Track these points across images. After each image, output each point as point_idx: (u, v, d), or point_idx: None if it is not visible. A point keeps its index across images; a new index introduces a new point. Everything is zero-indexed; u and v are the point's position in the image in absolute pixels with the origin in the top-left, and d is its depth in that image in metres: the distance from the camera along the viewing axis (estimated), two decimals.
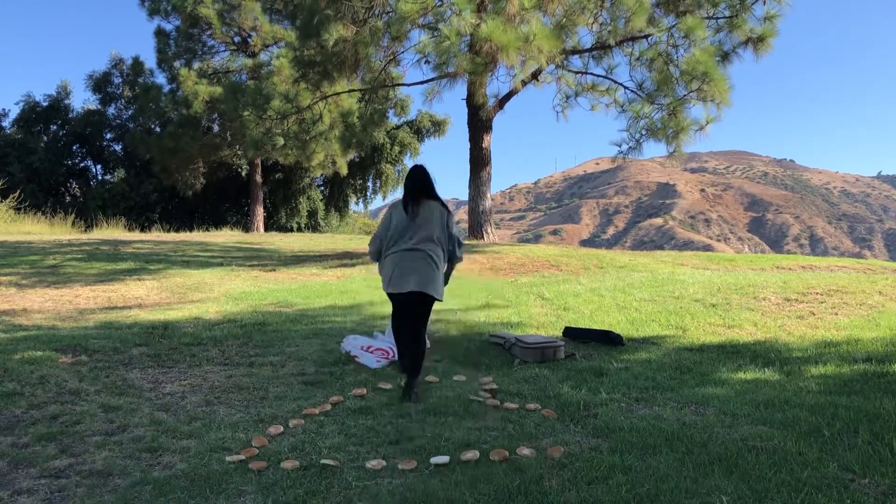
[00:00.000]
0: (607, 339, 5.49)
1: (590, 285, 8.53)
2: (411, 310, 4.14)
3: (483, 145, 14.42)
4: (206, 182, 25.52)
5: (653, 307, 6.99)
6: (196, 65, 23.88)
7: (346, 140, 18.56)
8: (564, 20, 11.51)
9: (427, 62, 11.57)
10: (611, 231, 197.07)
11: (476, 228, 14.61)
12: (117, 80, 27.82)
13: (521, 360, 4.97)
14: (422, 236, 4.09)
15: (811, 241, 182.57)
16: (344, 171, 23.89)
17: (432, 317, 6.80)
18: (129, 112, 28.00)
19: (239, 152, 24.63)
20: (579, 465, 2.87)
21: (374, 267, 4.52)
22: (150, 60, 26.29)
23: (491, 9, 11.06)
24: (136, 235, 18.55)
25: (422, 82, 13.42)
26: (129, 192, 25.87)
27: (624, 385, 4.25)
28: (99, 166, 29.40)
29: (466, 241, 14.64)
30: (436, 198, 4.25)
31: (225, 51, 25.07)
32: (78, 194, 27.61)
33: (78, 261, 11.15)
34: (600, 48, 13.29)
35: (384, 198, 30.80)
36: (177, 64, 24.03)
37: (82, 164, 28.95)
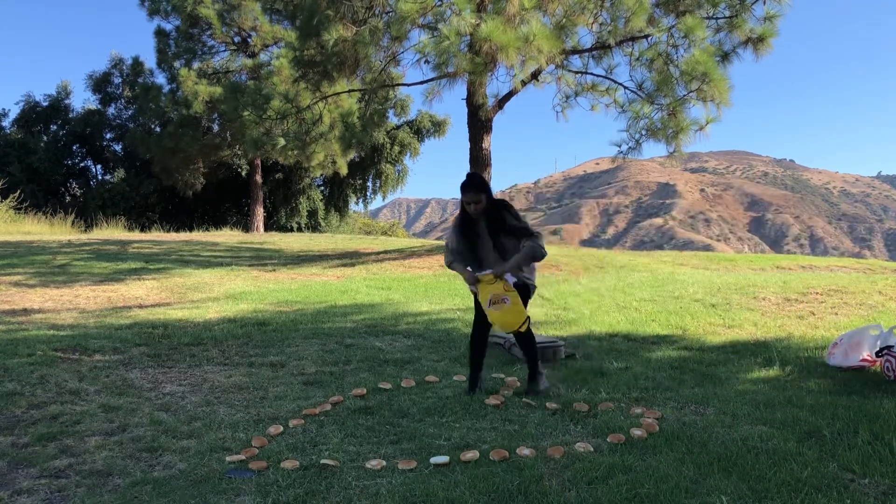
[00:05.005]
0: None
1: (590, 285, 8.53)
2: None
3: (483, 146, 14.40)
4: (206, 182, 25.50)
5: (653, 307, 7.00)
6: (196, 65, 23.85)
7: (346, 140, 18.54)
8: (564, 20, 11.50)
9: (427, 62, 11.55)
10: (611, 231, 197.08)
11: None
12: (117, 80, 27.82)
13: (522, 359, 4.96)
14: None
15: (811, 241, 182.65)
16: (344, 171, 23.88)
17: (433, 317, 6.82)
18: (129, 112, 28.00)
19: (239, 152, 24.62)
20: (579, 465, 2.87)
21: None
22: (150, 60, 26.31)
23: (491, 9, 11.06)
24: (137, 235, 18.55)
25: (422, 82, 13.39)
26: (129, 192, 25.87)
27: (624, 385, 4.25)
28: (99, 166, 29.42)
29: None
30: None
31: (225, 51, 25.05)
32: (78, 194, 27.61)
33: (79, 261, 11.15)
34: (600, 48, 13.28)
35: (384, 198, 30.82)
36: (177, 64, 24.01)
37: (82, 164, 28.96)
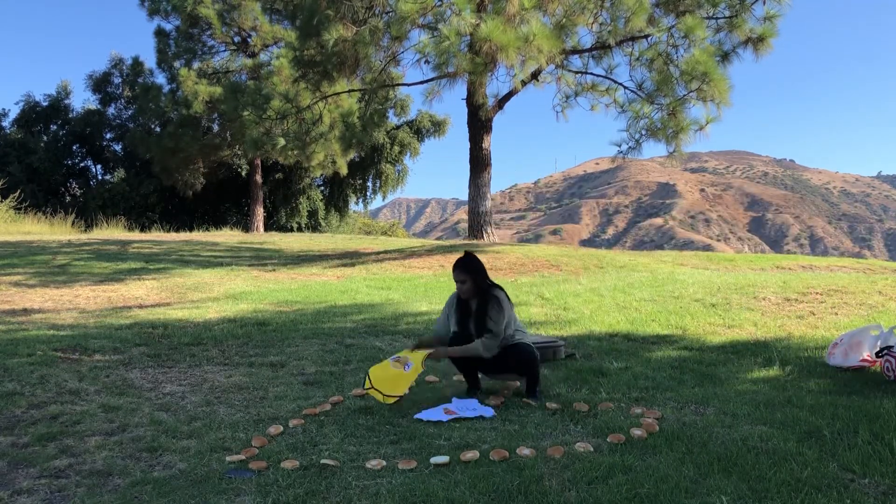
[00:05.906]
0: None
1: (590, 285, 8.53)
2: None
3: (483, 146, 14.42)
4: (206, 182, 25.52)
5: (653, 307, 6.99)
6: (196, 65, 23.88)
7: (346, 140, 18.57)
8: (564, 20, 11.51)
9: (427, 62, 11.57)
10: (611, 231, 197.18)
11: (476, 229, 14.62)
12: (117, 80, 27.85)
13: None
14: None
15: (811, 241, 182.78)
16: (344, 171, 23.90)
17: (433, 317, 6.83)
18: (129, 112, 28.03)
19: (239, 152, 24.63)
20: (579, 465, 2.87)
21: None
22: (150, 60, 26.34)
23: (491, 9, 11.07)
24: (137, 235, 18.56)
25: (422, 82, 13.41)
26: (129, 192, 25.89)
27: (624, 385, 4.25)
28: (99, 166, 29.44)
29: (467, 241, 14.65)
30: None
31: (225, 51, 25.08)
32: (78, 194, 27.62)
33: (79, 261, 11.16)
34: (600, 48, 13.29)
35: (384, 198, 30.89)
36: (177, 64, 24.03)
37: (82, 164, 28.98)
